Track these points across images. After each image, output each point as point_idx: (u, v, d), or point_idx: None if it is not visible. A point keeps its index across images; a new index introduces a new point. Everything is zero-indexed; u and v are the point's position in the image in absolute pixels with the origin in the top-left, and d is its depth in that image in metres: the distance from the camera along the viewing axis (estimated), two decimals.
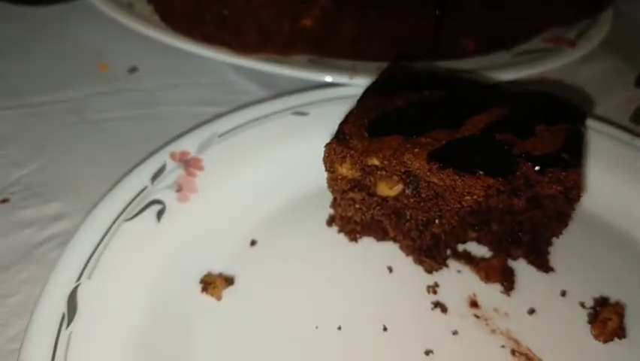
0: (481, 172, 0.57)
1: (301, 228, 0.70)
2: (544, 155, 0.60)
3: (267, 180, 0.73)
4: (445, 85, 0.70)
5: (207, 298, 0.61)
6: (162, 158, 0.70)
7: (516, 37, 0.98)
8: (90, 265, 0.57)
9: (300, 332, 0.59)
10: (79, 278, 0.56)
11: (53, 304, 0.54)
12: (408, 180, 0.60)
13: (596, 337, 0.60)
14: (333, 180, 0.63)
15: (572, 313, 0.62)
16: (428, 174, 0.58)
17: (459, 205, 0.60)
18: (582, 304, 0.63)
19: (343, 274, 0.65)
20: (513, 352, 0.58)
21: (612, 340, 0.60)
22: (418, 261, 0.67)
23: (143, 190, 0.66)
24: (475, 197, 0.58)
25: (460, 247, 0.69)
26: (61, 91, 0.91)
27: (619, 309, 0.61)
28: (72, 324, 0.53)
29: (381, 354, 0.58)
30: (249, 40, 0.84)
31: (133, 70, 0.96)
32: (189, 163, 0.71)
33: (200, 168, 0.71)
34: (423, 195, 0.60)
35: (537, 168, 0.59)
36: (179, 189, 0.67)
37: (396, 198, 0.62)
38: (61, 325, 0.52)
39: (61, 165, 0.79)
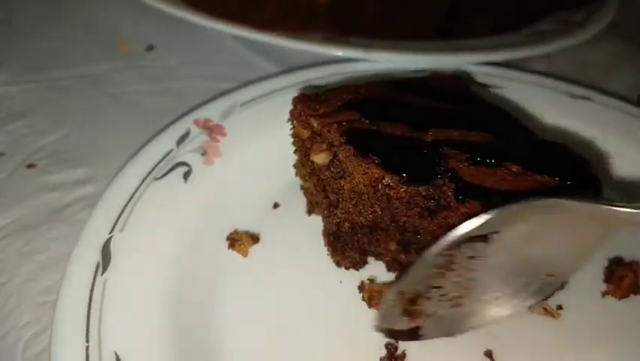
0: (376, 159, 0.53)
1: None
2: (478, 185, 0.52)
3: (286, 148, 0.74)
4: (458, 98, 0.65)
5: (234, 254, 0.63)
6: (186, 124, 0.72)
7: (525, 19, 1.00)
8: (122, 218, 0.59)
9: (323, 286, 0.62)
10: (112, 230, 0.58)
11: (88, 253, 0.55)
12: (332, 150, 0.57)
13: (613, 293, 0.62)
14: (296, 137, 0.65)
15: (589, 272, 0.64)
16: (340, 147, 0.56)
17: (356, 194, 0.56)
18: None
19: None
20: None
21: (628, 296, 0.62)
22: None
23: (169, 153, 0.68)
24: (361, 184, 0.55)
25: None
26: (82, 67, 0.92)
27: (634, 267, 0.63)
28: (107, 272, 0.54)
29: None
30: (268, 16, 0.86)
31: (150, 48, 0.97)
32: (213, 129, 0.72)
33: (224, 135, 0.72)
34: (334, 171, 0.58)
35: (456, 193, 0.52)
36: (204, 153, 0.69)
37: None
38: (96, 272, 0.54)
39: (84, 135, 0.80)
